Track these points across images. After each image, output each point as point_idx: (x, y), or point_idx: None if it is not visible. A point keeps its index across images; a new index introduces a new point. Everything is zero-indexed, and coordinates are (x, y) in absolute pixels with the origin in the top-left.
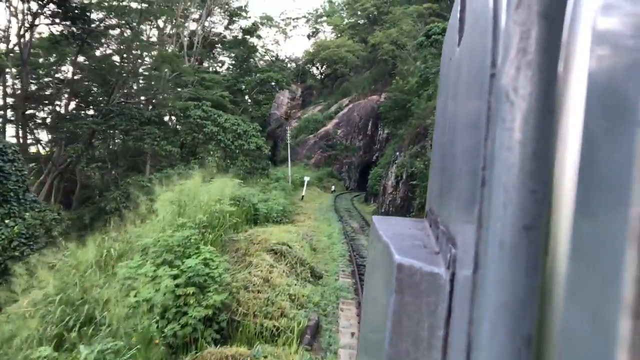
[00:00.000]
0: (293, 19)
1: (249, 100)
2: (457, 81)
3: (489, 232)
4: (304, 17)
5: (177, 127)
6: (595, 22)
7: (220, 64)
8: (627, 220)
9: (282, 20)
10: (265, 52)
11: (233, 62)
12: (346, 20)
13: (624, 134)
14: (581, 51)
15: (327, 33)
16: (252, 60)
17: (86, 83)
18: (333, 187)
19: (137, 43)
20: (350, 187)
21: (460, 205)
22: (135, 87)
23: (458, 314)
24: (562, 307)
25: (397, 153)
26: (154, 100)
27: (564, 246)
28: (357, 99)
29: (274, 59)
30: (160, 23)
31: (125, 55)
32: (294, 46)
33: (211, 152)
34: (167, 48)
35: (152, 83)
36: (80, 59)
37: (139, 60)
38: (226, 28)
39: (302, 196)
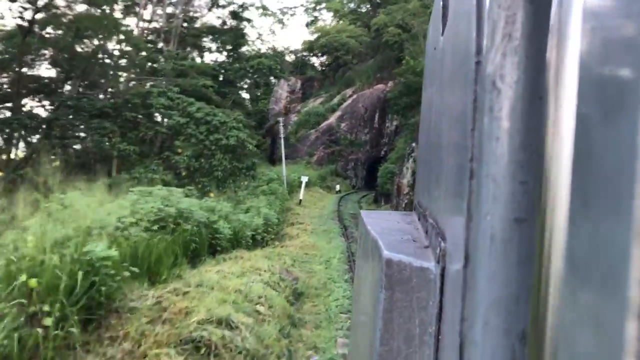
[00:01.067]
0: (290, 8)
1: (247, 96)
2: (442, 71)
3: (479, 226)
4: (302, 5)
5: (138, 119)
6: (585, 4)
7: (207, 52)
8: (631, 214)
9: (279, 10)
10: (261, 42)
11: (220, 48)
12: (347, 6)
13: (622, 122)
14: (571, 35)
15: (327, 21)
16: (242, 47)
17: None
18: (338, 187)
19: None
20: (357, 186)
21: (449, 198)
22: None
23: (449, 309)
24: (558, 302)
25: (414, 144)
26: (110, 90)
27: (558, 239)
28: (361, 89)
29: (270, 50)
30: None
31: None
32: (292, 38)
33: (179, 150)
34: (146, 36)
35: (112, 72)
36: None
37: (101, 42)
38: (209, 10)
39: (300, 200)
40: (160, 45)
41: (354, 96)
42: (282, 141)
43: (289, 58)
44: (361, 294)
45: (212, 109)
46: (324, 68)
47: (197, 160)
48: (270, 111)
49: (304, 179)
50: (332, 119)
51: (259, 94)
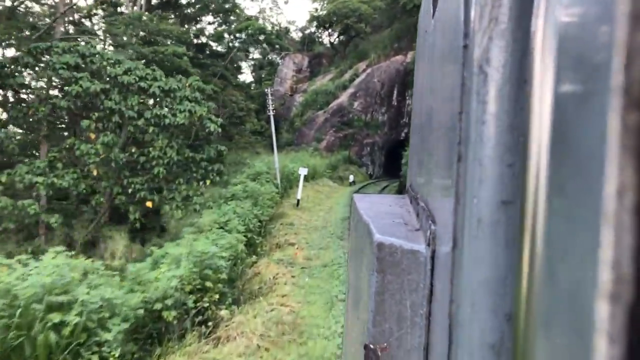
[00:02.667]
0: None
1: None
2: (433, 55)
3: (466, 208)
4: None
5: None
6: None
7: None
8: (600, 197)
9: None
10: (263, 19)
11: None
12: None
13: (594, 102)
14: (553, 18)
15: None
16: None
17: None
18: (352, 178)
19: None
20: (375, 175)
21: (439, 181)
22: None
23: (439, 291)
24: (541, 284)
25: None
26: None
27: (540, 221)
28: (376, 61)
29: (276, 27)
30: None
31: None
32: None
33: (90, 134)
34: None
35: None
36: None
37: None
38: None
39: (298, 201)
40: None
41: (368, 70)
42: (272, 119)
43: (296, 36)
44: (354, 278)
45: (153, 71)
46: (333, 40)
47: (123, 150)
48: (274, 93)
49: (303, 172)
50: (344, 97)
51: (262, 75)
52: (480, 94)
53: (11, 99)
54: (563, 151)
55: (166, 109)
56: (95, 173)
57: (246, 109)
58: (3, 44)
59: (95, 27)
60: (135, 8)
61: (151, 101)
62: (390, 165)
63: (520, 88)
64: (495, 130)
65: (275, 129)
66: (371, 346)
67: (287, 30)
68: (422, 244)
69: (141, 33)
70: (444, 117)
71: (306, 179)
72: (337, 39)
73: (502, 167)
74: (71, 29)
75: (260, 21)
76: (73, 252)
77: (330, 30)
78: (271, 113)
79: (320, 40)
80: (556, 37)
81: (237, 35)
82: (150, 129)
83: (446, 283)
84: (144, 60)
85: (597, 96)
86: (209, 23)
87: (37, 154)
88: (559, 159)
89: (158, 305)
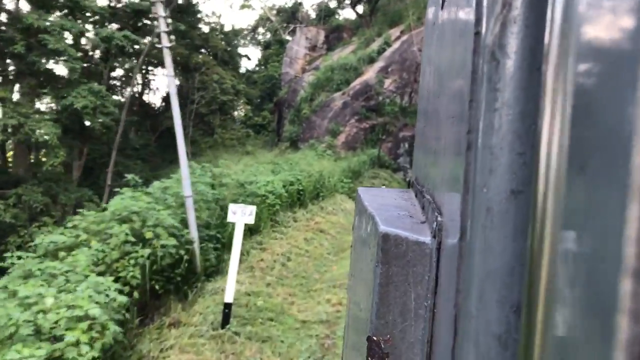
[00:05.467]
0: None
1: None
2: (441, 46)
3: (475, 198)
4: None
5: None
6: None
7: None
8: (629, 176)
9: None
10: None
11: None
12: None
13: (618, 91)
14: (568, 2)
15: None
16: None
17: None
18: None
19: None
20: None
21: (446, 172)
22: None
23: (445, 283)
24: (552, 272)
25: None
26: None
27: (553, 209)
28: (414, 26)
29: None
30: None
31: None
32: None
33: None
34: None
35: None
36: None
37: None
38: None
39: (226, 312)
40: None
41: (404, 37)
42: (175, 100)
43: (312, 11)
44: (358, 269)
45: None
46: (356, 9)
47: None
48: (282, 77)
49: (238, 219)
50: (370, 73)
51: (268, 54)
52: (492, 82)
53: None
54: (585, 133)
55: None
56: None
57: (233, 92)
58: None
59: None
60: None
61: None
62: None
63: (532, 75)
64: (506, 118)
65: (278, 120)
66: (374, 338)
67: (298, 4)
68: (428, 236)
69: None
70: (452, 107)
71: (309, 199)
72: (363, 3)
73: (513, 156)
74: None
75: None
76: None
77: None
78: (170, 76)
79: (341, 8)
80: (574, 22)
81: None
82: None
83: (452, 275)
84: None
85: (621, 81)
86: None
87: None
88: (579, 143)
89: None
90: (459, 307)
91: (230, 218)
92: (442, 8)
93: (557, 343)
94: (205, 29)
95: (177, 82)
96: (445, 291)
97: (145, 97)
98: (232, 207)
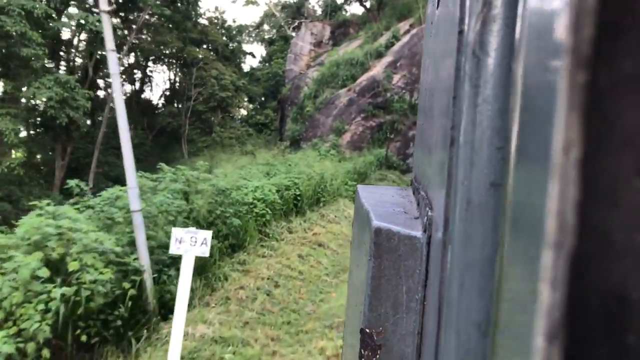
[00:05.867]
0: None
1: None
2: (436, 44)
3: (457, 191)
4: None
5: None
6: None
7: None
8: (549, 154)
9: None
10: None
11: None
12: None
13: (550, 67)
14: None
15: None
16: None
17: None
18: None
19: None
20: None
21: (436, 168)
22: None
23: (433, 275)
24: (511, 263)
25: None
26: None
27: (511, 198)
28: (425, 19)
29: None
30: None
31: None
32: None
33: None
34: None
35: None
36: None
37: None
38: None
39: None
40: None
41: (414, 30)
42: (117, 81)
43: (318, 7)
44: (354, 266)
45: None
46: (363, 0)
47: None
48: (287, 74)
49: (186, 252)
50: (378, 68)
51: (272, 50)
52: (473, 79)
53: None
54: (528, 119)
55: None
56: None
57: (233, 89)
58: None
59: None
60: None
61: None
62: None
63: (509, 72)
64: (486, 114)
65: (281, 119)
66: (367, 330)
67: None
68: (419, 231)
69: None
70: (441, 104)
71: (308, 205)
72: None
73: (492, 150)
74: None
75: None
76: None
77: None
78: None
79: (348, 4)
80: (527, 16)
81: None
82: None
83: (438, 267)
84: None
85: (552, 61)
86: None
87: None
88: (525, 127)
89: None
90: (442, 297)
91: (172, 249)
92: (437, 7)
93: (509, 317)
94: (204, 22)
95: (119, 58)
96: (433, 283)
97: (143, 95)
98: (175, 232)
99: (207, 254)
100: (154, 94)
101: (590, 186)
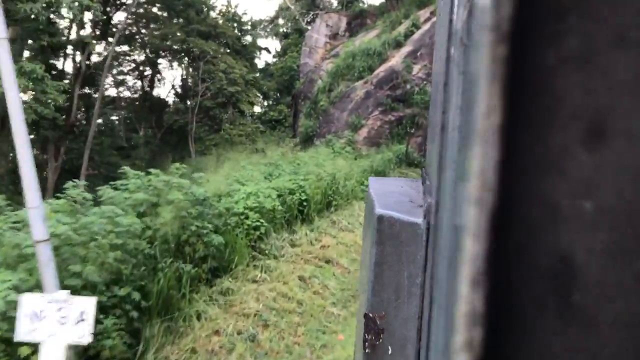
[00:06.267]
0: None
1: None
2: (437, 34)
3: (447, 174)
4: None
5: None
6: None
7: None
8: (472, 118)
9: None
10: None
11: None
12: None
13: (478, 44)
14: None
15: None
16: None
17: None
18: None
19: None
20: None
21: (434, 155)
22: None
23: (431, 260)
24: (453, 223)
25: None
26: None
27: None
28: None
29: None
30: None
31: None
32: None
33: None
34: None
35: None
36: None
37: None
38: None
39: None
40: None
41: (435, 18)
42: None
43: None
44: (365, 253)
45: None
46: None
47: None
48: (301, 67)
49: (49, 332)
50: (397, 58)
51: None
52: (460, 66)
53: None
54: (468, 97)
55: None
56: None
57: (242, 83)
58: None
59: None
60: None
61: None
62: None
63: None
64: (472, 100)
65: (294, 114)
66: (370, 315)
67: None
68: (420, 217)
69: None
70: (439, 92)
71: (316, 211)
72: None
73: None
74: None
75: None
76: None
77: None
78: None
79: None
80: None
81: None
82: None
83: (432, 250)
84: None
85: (482, 38)
86: None
87: None
88: (465, 102)
89: None
90: (433, 279)
91: (21, 332)
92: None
93: (442, 269)
94: (213, 14)
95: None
96: (430, 267)
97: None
98: (27, 302)
99: (86, 340)
100: (164, 91)
101: (510, 149)
